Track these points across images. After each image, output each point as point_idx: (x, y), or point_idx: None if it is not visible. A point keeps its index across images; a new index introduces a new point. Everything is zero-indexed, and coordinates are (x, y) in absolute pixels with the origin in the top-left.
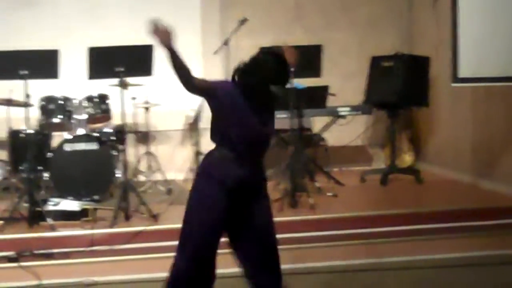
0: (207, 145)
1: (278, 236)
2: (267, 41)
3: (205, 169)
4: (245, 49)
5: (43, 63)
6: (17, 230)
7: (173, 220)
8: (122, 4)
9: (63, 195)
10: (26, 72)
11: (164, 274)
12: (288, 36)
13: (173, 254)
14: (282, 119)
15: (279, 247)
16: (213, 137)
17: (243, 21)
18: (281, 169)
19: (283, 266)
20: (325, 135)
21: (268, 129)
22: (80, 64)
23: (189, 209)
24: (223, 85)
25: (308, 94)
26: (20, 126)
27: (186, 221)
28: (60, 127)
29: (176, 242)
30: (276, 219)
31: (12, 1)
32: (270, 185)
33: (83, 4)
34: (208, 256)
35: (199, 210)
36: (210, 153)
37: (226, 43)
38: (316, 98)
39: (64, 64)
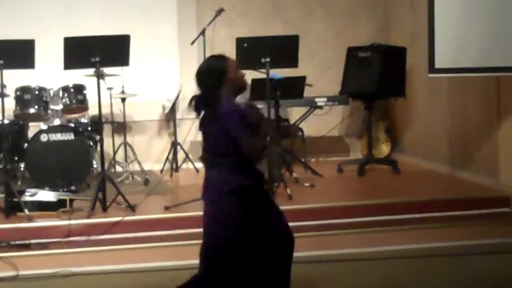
0: (184, 135)
1: None
2: (244, 31)
3: None
4: (222, 40)
5: (19, 53)
6: None
7: (150, 210)
8: None
9: (39, 185)
10: (1, 62)
11: (141, 265)
12: (265, 26)
13: (152, 244)
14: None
15: None
16: None
17: (220, 11)
18: None
19: None
20: (302, 125)
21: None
22: (56, 55)
23: None
24: None
25: (285, 85)
26: None
27: None
28: (36, 118)
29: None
30: None
31: None
32: None
33: None
34: None
35: None
36: None
37: (202, 33)
38: (293, 89)
39: (39, 54)
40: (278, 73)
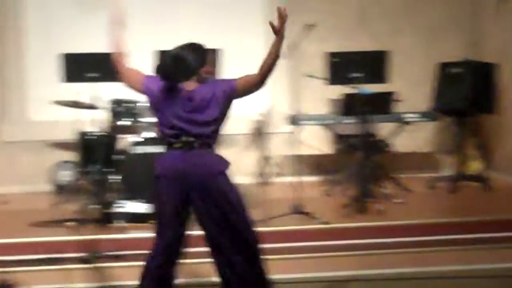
0: (274, 149)
1: (346, 242)
2: (332, 46)
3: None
4: (311, 54)
5: (113, 66)
6: (87, 232)
7: None
8: (187, 9)
9: (132, 197)
10: (96, 74)
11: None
12: (353, 41)
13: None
14: (349, 125)
15: None
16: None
17: (310, 27)
18: (349, 174)
19: (352, 272)
20: (392, 141)
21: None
22: (149, 68)
23: None
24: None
25: (374, 100)
26: (88, 128)
27: None
28: (128, 130)
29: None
30: (344, 225)
31: (80, 6)
32: (338, 190)
33: (148, 9)
34: None
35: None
36: None
37: (293, 48)
38: (382, 104)
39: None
40: (367, 88)
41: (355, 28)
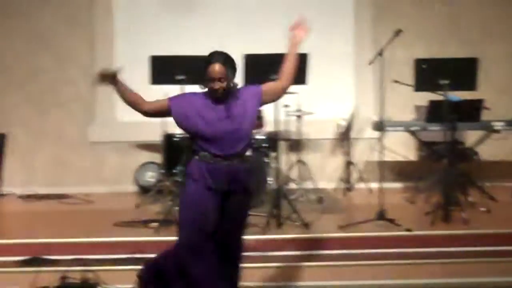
0: (359, 155)
1: (429, 249)
2: (420, 52)
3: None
4: (399, 60)
5: (200, 69)
6: (170, 233)
7: (324, 229)
8: (275, 12)
9: None
10: (183, 77)
11: (313, 283)
12: (442, 47)
13: (324, 263)
14: (435, 132)
15: None
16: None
17: (398, 32)
18: (434, 181)
19: (435, 281)
20: (478, 149)
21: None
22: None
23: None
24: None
25: (463, 107)
26: (175, 130)
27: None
28: None
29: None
30: (427, 232)
31: (168, 8)
32: (422, 198)
33: (238, 13)
34: None
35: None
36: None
37: (380, 54)
38: (471, 112)
39: None
40: (455, 95)
41: (444, 34)
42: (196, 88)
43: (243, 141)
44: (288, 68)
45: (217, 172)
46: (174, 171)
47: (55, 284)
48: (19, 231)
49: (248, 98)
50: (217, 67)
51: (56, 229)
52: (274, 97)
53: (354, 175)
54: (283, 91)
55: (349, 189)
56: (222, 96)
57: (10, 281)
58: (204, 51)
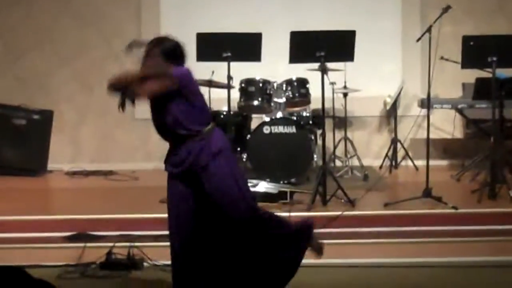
0: (405, 132)
1: (476, 227)
2: (468, 29)
3: None
4: (447, 37)
5: (246, 46)
6: None
7: (370, 206)
8: None
9: (261, 176)
10: (229, 54)
11: (359, 260)
12: (490, 24)
13: (371, 240)
14: (482, 109)
15: None
16: None
17: (446, 9)
18: (480, 159)
19: (483, 258)
20: None
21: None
22: (281, 48)
23: None
24: None
25: (511, 85)
26: (221, 107)
27: None
28: (259, 110)
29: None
30: (474, 210)
31: None
32: (468, 175)
33: None
34: None
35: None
36: None
37: (428, 30)
38: None
39: (265, 48)
40: (503, 72)
41: (492, 11)
42: (240, 65)
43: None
44: None
45: None
46: None
47: (101, 260)
48: (65, 207)
49: None
50: None
51: (102, 205)
52: None
53: (400, 153)
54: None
55: (395, 166)
56: None
57: (57, 256)
58: (250, 28)
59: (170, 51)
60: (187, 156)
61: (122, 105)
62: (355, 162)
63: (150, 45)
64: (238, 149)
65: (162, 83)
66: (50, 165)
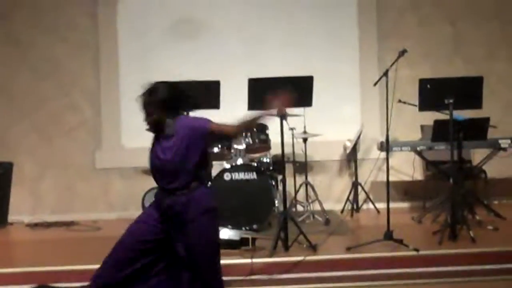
0: (365, 175)
1: (438, 269)
2: (426, 71)
3: None
4: (404, 80)
5: (205, 94)
6: None
7: (332, 250)
8: (279, 37)
9: (223, 223)
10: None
11: None
12: (447, 66)
13: (333, 284)
14: (441, 151)
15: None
16: None
17: (403, 52)
18: (441, 201)
19: None
20: (485, 167)
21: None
22: (239, 95)
23: None
24: None
25: (469, 126)
26: None
27: None
28: (219, 157)
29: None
30: (435, 251)
31: (173, 34)
32: (429, 217)
33: (242, 37)
34: None
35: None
36: None
37: (385, 74)
38: (477, 130)
39: (223, 95)
40: (460, 114)
41: (448, 53)
42: (207, 113)
43: (179, 174)
44: (245, 123)
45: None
46: None
47: None
48: (27, 259)
49: (186, 128)
50: (142, 101)
51: (64, 256)
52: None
53: (361, 196)
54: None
55: (356, 210)
56: (151, 129)
57: None
58: (208, 76)
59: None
60: (173, 205)
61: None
62: (316, 206)
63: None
64: None
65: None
66: (11, 217)
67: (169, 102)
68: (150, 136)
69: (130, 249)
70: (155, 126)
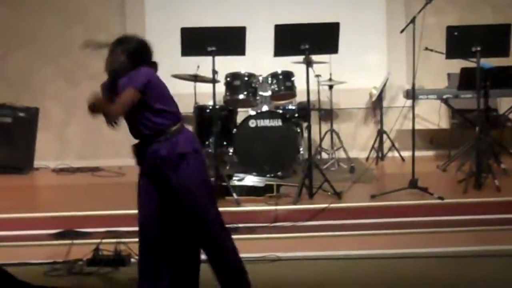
0: (391, 123)
1: (462, 217)
2: (453, 19)
3: None
4: (431, 28)
5: (230, 40)
6: None
7: (356, 198)
8: None
9: (247, 170)
10: (214, 48)
11: (345, 252)
12: (475, 14)
13: (357, 232)
14: (467, 99)
15: None
16: None
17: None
18: (466, 149)
19: (468, 248)
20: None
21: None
22: (265, 42)
23: None
24: None
25: (495, 74)
26: (207, 101)
27: None
28: (244, 103)
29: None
30: (460, 200)
31: None
32: (454, 165)
33: None
34: None
35: None
36: None
37: (412, 21)
38: (504, 78)
39: (249, 41)
40: (488, 62)
41: (477, 0)
42: (225, 59)
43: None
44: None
45: None
46: (206, 142)
47: (88, 257)
48: (52, 204)
49: (126, 77)
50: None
51: (88, 202)
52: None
53: (387, 144)
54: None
55: (381, 158)
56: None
57: (44, 254)
58: (235, 22)
59: (133, 50)
60: (153, 156)
61: (110, 125)
62: (341, 154)
63: (112, 45)
64: (225, 143)
65: (127, 99)
66: (36, 163)
67: (135, 54)
68: (176, 82)
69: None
70: (116, 71)
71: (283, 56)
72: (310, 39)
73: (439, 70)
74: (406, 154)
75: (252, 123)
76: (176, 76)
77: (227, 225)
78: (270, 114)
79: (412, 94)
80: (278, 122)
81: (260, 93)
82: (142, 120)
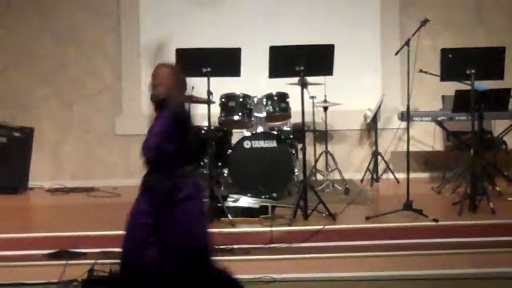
0: (385, 145)
1: (457, 239)
2: (447, 42)
3: None
4: (426, 50)
5: (225, 61)
6: None
7: (351, 220)
8: (301, 4)
9: (242, 191)
10: (209, 69)
11: (339, 274)
12: (469, 37)
13: (352, 254)
14: (462, 121)
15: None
16: None
17: (425, 22)
18: (461, 171)
19: (462, 271)
20: (506, 138)
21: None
22: (260, 63)
23: None
24: None
25: (490, 97)
26: (202, 122)
27: None
28: (240, 125)
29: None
30: (454, 222)
31: (193, 1)
32: (449, 188)
33: (264, 4)
34: None
35: None
36: None
37: (407, 43)
38: (498, 101)
39: (244, 63)
40: (483, 84)
41: (471, 23)
42: (220, 80)
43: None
44: None
45: None
46: (201, 163)
47: (83, 277)
48: (47, 224)
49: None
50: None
51: (83, 222)
52: None
53: (381, 166)
54: None
55: (376, 179)
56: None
57: (38, 275)
58: (230, 43)
59: None
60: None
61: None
62: (336, 175)
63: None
64: (219, 164)
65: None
66: (31, 183)
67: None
68: None
69: None
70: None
71: (278, 78)
72: (305, 60)
73: (434, 92)
74: (401, 176)
75: (247, 144)
76: None
77: (222, 246)
78: (265, 135)
79: (406, 116)
80: (273, 143)
81: (255, 114)
82: None
